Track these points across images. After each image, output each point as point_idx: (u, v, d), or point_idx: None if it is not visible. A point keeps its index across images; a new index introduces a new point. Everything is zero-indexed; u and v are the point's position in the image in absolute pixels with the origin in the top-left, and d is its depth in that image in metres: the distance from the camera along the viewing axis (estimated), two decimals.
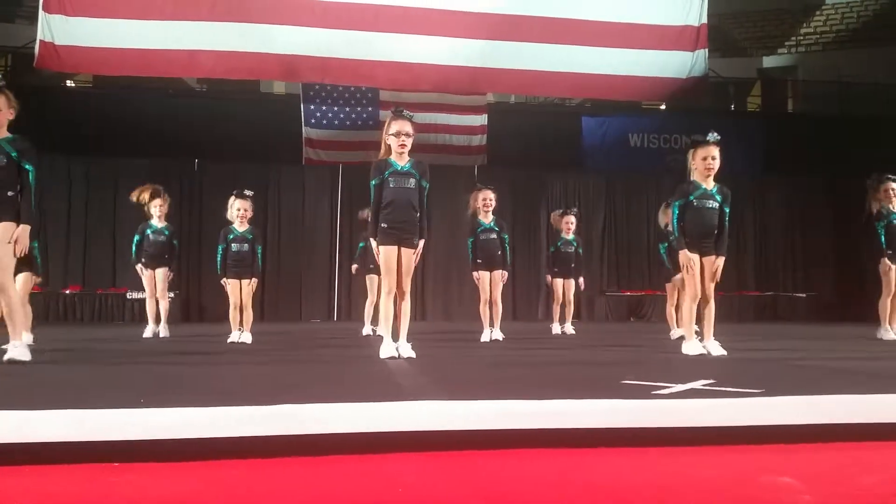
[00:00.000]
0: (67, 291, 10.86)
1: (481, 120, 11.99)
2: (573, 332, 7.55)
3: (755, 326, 9.58)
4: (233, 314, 6.02)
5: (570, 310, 7.79)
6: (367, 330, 7.44)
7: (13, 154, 3.82)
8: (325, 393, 2.80)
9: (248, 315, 6.06)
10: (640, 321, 11.93)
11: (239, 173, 11.41)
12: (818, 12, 18.82)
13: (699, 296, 4.63)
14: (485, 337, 6.48)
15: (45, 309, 10.27)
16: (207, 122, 11.50)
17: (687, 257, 4.61)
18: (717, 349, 4.60)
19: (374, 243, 4.44)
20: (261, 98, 12.80)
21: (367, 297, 7.64)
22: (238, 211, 5.99)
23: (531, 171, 12.45)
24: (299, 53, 10.57)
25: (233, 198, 6.12)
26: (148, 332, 7.07)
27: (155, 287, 7.10)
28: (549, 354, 5.24)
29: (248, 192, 6.07)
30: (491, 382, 3.37)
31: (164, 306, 7.12)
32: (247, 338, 6.00)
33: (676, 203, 4.73)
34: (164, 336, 6.99)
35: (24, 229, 3.80)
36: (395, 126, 4.32)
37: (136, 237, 7.15)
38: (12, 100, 3.92)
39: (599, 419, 2.34)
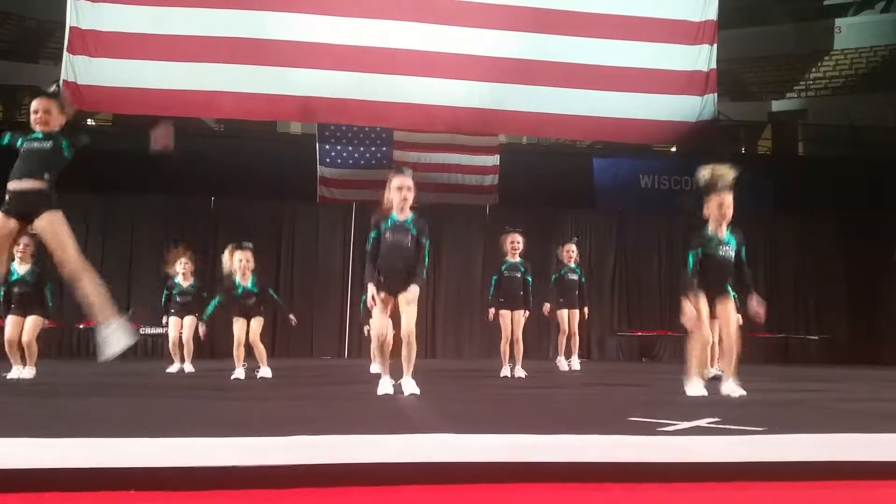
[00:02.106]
0: (81, 326, 10.98)
1: (493, 160, 12.16)
2: (578, 367, 7.54)
3: (766, 368, 9.52)
4: (237, 352, 6.02)
5: (576, 342, 7.79)
6: (374, 367, 7.50)
7: (62, 143, 4.04)
8: (336, 426, 2.87)
9: (260, 350, 6.09)
10: (652, 361, 11.86)
11: (254, 211, 11.62)
12: (827, 57, 19.08)
13: (709, 341, 4.62)
14: (504, 373, 6.54)
15: (58, 344, 10.40)
16: (224, 161, 11.73)
17: (695, 300, 4.60)
18: (736, 390, 4.55)
19: (370, 288, 4.45)
20: (277, 137, 13.07)
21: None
22: (239, 262, 6.00)
23: (542, 212, 12.55)
24: (316, 95, 10.86)
25: (228, 251, 6.14)
26: (173, 369, 7.30)
27: (181, 331, 7.32)
28: (556, 391, 5.27)
29: (247, 244, 6.13)
30: (499, 417, 3.43)
31: (189, 349, 7.42)
32: (266, 372, 6.04)
33: (692, 253, 4.70)
34: (189, 371, 7.19)
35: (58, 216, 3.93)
36: (397, 181, 4.47)
37: (165, 293, 7.50)
38: (67, 104, 4.20)
39: (606, 454, 2.39)
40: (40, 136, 4.01)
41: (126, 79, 10.28)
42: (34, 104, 4.05)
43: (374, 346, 4.53)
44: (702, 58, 11.78)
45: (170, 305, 7.46)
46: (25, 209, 3.85)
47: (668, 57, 11.65)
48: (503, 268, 6.74)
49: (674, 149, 13.28)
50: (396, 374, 4.50)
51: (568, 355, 7.73)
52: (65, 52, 10.31)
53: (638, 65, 11.48)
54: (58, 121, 4.06)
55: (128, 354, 11.02)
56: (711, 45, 11.79)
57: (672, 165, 12.97)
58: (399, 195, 4.46)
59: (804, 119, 16.44)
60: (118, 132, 11.96)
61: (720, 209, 4.63)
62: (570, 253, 7.78)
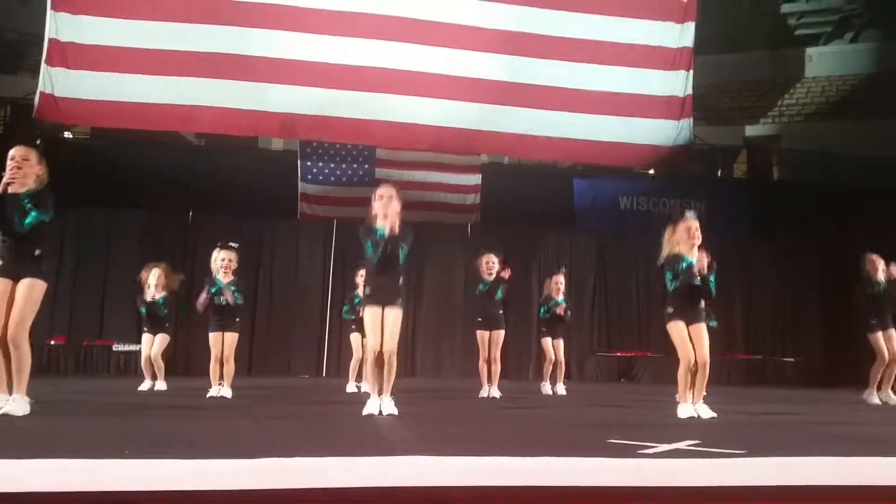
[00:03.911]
0: (52, 342, 10.73)
1: (475, 179, 12.18)
2: (564, 392, 7.53)
3: (743, 390, 9.57)
4: (213, 367, 5.95)
5: (562, 370, 7.80)
6: (351, 387, 7.41)
7: (31, 212, 3.95)
8: (311, 447, 2.79)
9: (230, 368, 5.99)
10: (630, 382, 11.87)
11: (233, 227, 11.47)
12: (799, 84, 19.49)
13: (692, 362, 4.71)
14: (483, 394, 6.57)
15: (56, 361, 10.18)
16: (204, 175, 11.61)
17: (675, 327, 4.74)
18: (706, 412, 4.65)
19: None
20: (258, 154, 12.97)
21: (352, 355, 7.65)
22: (222, 261, 5.99)
23: (523, 231, 12.59)
24: (298, 112, 10.79)
25: (217, 250, 6.13)
26: (144, 387, 7.11)
27: (151, 349, 7.20)
28: (537, 412, 5.23)
29: (233, 244, 6.10)
30: (478, 439, 3.37)
31: (159, 366, 7.22)
32: (227, 392, 5.91)
33: (668, 273, 4.85)
34: (160, 389, 7.03)
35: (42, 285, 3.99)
36: (380, 191, 4.64)
37: (142, 309, 7.30)
38: (43, 165, 4.14)
39: (586, 477, 2.35)
40: (5, 197, 3.92)
41: (105, 92, 10.14)
42: (13, 151, 4.03)
43: (363, 363, 4.51)
44: (678, 83, 11.95)
45: (142, 320, 7.29)
46: (15, 273, 3.94)
47: (646, 82, 11.81)
48: (479, 287, 6.81)
49: (652, 171, 13.41)
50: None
51: (553, 382, 7.73)
52: (43, 64, 10.16)
53: (617, 89, 11.62)
54: (34, 171, 4.04)
55: (101, 371, 10.81)
56: (688, 70, 11.97)
57: (651, 187, 13.07)
58: (380, 203, 4.55)
59: (778, 144, 16.73)
60: (96, 145, 11.81)
61: (689, 232, 4.81)
62: (559, 285, 7.79)
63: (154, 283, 7.15)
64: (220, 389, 5.94)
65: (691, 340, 4.74)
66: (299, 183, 11.67)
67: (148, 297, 7.15)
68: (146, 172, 11.36)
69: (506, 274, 6.88)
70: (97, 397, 6.02)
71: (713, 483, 2.35)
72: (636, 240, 12.83)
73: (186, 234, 11.64)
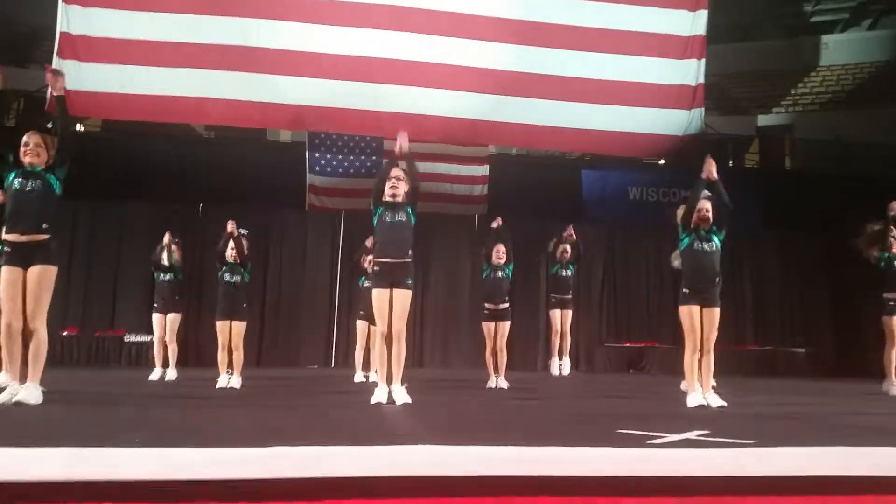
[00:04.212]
0: (65, 333, 10.82)
1: (483, 170, 12.14)
2: (567, 371, 7.56)
3: (753, 381, 9.52)
4: (221, 357, 5.96)
5: (567, 343, 7.82)
6: (358, 376, 7.42)
7: (49, 178, 4.03)
8: (318, 436, 2.80)
9: (238, 357, 6.00)
10: (639, 373, 11.84)
11: (242, 219, 11.49)
12: (814, 73, 19.27)
13: (698, 347, 4.69)
14: (491, 384, 6.58)
15: (71, 351, 10.28)
16: (214, 167, 11.64)
17: (687, 310, 4.72)
18: (716, 400, 4.62)
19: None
20: (267, 145, 12.99)
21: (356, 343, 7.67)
22: (231, 250, 6.08)
23: (532, 222, 12.53)
24: (306, 103, 10.78)
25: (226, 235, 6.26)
26: (155, 375, 7.09)
27: (164, 331, 7.14)
28: (545, 403, 5.22)
29: (242, 231, 6.18)
30: (486, 429, 3.37)
31: (172, 350, 7.15)
32: (236, 382, 5.92)
33: (683, 241, 4.92)
34: (170, 378, 6.99)
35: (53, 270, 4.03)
36: (389, 172, 4.84)
37: (158, 276, 7.34)
38: (50, 144, 4.16)
39: (595, 467, 2.34)
40: (27, 170, 3.99)
41: (116, 84, 10.18)
42: (26, 137, 4.07)
43: (377, 345, 4.53)
44: (690, 72, 11.83)
45: (154, 294, 7.24)
46: (25, 261, 3.92)
47: (657, 71, 11.69)
48: (485, 270, 6.85)
49: (662, 161, 13.32)
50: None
51: (560, 356, 7.76)
52: (55, 57, 10.19)
53: (627, 78, 11.52)
54: (49, 155, 4.09)
55: (112, 362, 10.87)
56: (700, 59, 11.85)
57: (660, 178, 12.99)
58: (388, 184, 4.73)
59: (791, 134, 16.58)
60: (107, 138, 11.86)
61: (700, 213, 4.90)
62: (565, 254, 7.83)
63: (166, 255, 7.17)
64: (230, 379, 5.95)
65: (702, 326, 4.71)
66: (307, 174, 11.68)
67: (164, 263, 7.14)
68: (156, 164, 11.40)
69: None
70: (109, 387, 6.07)
71: (723, 473, 2.34)
72: (645, 230, 12.76)
73: (196, 225, 11.69)
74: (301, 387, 6.69)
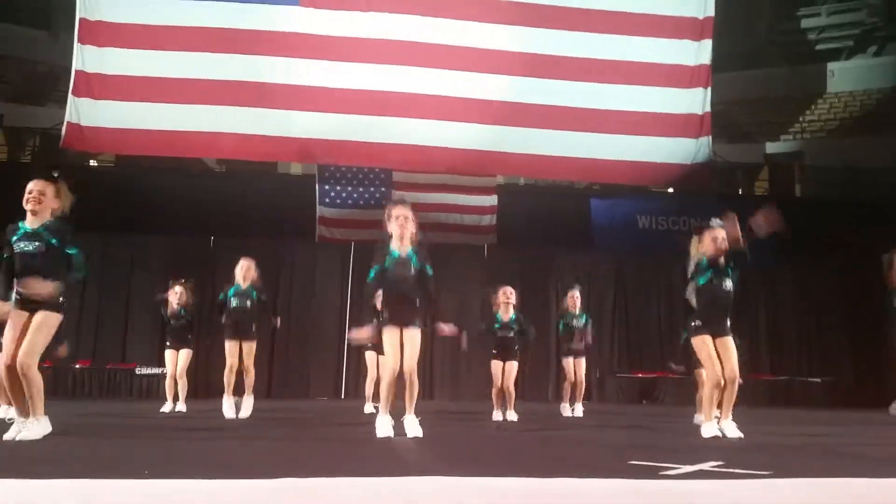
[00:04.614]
0: (77, 366, 10.88)
1: (491, 200, 12.21)
2: (581, 414, 7.45)
3: (768, 411, 9.39)
4: (228, 377, 5.93)
5: (581, 391, 7.71)
6: (369, 407, 7.40)
7: (52, 241, 4.01)
8: (328, 467, 2.79)
9: (250, 379, 5.95)
10: (652, 403, 11.71)
11: (254, 250, 11.59)
12: (821, 100, 19.34)
13: (720, 378, 4.62)
14: (496, 417, 6.51)
15: (53, 383, 10.24)
16: (225, 200, 11.76)
17: (701, 341, 4.67)
18: (732, 431, 4.54)
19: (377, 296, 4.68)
20: (277, 178, 13.14)
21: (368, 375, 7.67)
22: (241, 268, 6.24)
23: (540, 252, 12.55)
24: (315, 137, 10.96)
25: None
26: (166, 408, 7.21)
27: (175, 367, 7.25)
28: (556, 434, 5.18)
29: (249, 259, 6.26)
30: (497, 460, 3.35)
31: (182, 385, 7.28)
32: (247, 406, 5.86)
33: (700, 279, 4.81)
34: (180, 411, 7.10)
35: (47, 284, 3.92)
36: (395, 211, 4.64)
37: (168, 318, 7.48)
38: (63, 192, 4.15)
39: (606, 499, 2.32)
40: (29, 232, 4.01)
41: (129, 120, 10.39)
42: (31, 185, 4.08)
43: (378, 383, 4.52)
44: (696, 101, 11.93)
45: (166, 334, 7.45)
46: (33, 307, 3.97)
47: (664, 100, 11.80)
48: (496, 326, 6.77)
49: (671, 190, 13.34)
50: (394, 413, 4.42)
51: (572, 402, 7.64)
52: (69, 95, 10.44)
53: (634, 108, 11.63)
54: (51, 205, 4.08)
55: (123, 394, 10.90)
56: (706, 88, 11.96)
57: (670, 206, 13.01)
58: (396, 224, 4.57)
59: (800, 161, 16.58)
60: (120, 172, 12.04)
61: (716, 242, 4.78)
62: (575, 300, 7.75)
63: (175, 301, 7.29)
64: (242, 403, 5.92)
65: (718, 356, 4.66)
66: (317, 206, 11.80)
67: (170, 311, 7.30)
68: (169, 198, 11.55)
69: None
70: (120, 419, 6.07)
71: None
72: (655, 259, 12.73)
73: (207, 257, 11.78)
74: (310, 418, 6.66)
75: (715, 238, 4.78)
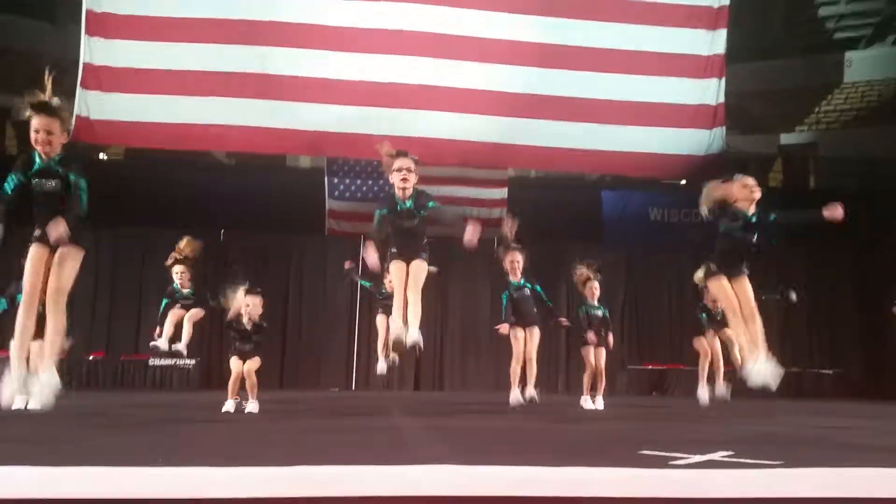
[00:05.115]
0: (91, 357, 11.02)
1: (501, 193, 12.20)
2: (602, 407, 7.38)
3: (779, 402, 9.39)
4: (232, 384, 5.89)
5: (603, 381, 7.62)
6: (381, 366, 7.58)
7: (70, 176, 3.92)
8: (340, 455, 2.83)
9: (252, 382, 5.89)
10: (663, 395, 11.73)
11: (263, 244, 11.70)
12: (837, 90, 19.16)
13: (738, 312, 4.59)
14: (513, 399, 6.35)
15: (67, 375, 10.38)
16: (234, 194, 11.85)
17: (717, 282, 4.71)
18: (766, 372, 4.50)
19: (370, 247, 5.13)
20: (287, 171, 13.20)
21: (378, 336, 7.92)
22: (245, 307, 5.91)
23: (551, 245, 12.53)
24: (325, 130, 10.96)
25: (242, 291, 5.98)
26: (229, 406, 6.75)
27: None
28: (566, 425, 5.21)
29: (257, 289, 6.05)
30: (509, 449, 3.38)
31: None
32: (254, 407, 5.87)
33: (722, 226, 4.82)
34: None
35: (59, 222, 3.72)
36: (398, 163, 4.96)
37: (164, 301, 7.44)
38: (68, 122, 4.06)
39: (616, 488, 2.35)
40: (42, 167, 3.89)
41: (138, 113, 10.43)
42: (35, 122, 3.91)
43: (395, 296, 4.82)
44: (710, 91, 11.84)
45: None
46: (54, 244, 3.83)
47: (676, 91, 11.72)
48: (511, 289, 6.70)
49: (683, 182, 13.29)
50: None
51: (593, 394, 7.56)
52: (78, 88, 10.49)
53: (646, 99, 11.55)
54: (60, 140, 3.96)
55: (137, 386, 10.99)
56: (720, 78, 11.86)
57: (681, 199, 12.96)
58: (399, 176, 4.88)
59: (815, 152, 16.46)
60: (129, 165, 12.13)
61: (746, 189, 4.78)
62: (594, 290, 7.69)
63: (178, 280, 7.25)
64: (248, 405, 5.92)
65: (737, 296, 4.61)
66: (326, 199, 11.85)
67: (178, 293, 7.27)
68: (178, 191, 11.63)
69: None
70: (135, 409, 6.15)
71: (748, 495, 2.33)
72: (667, 251, 12.71)
73: (217, 250, 11.86)
74: (323, 408, 6.73)
75: (746, 185, 4.71)
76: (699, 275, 6.97)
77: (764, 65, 18.67)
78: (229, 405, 5.86)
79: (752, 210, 4.65)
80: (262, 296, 6.02)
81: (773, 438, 4.16)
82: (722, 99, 11.82)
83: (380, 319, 7.76)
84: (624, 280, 12.82)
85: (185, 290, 7.35)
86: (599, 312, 7.71)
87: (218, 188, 11.87)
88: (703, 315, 7.55)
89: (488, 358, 11.89)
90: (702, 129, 11.73)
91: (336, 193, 11.87)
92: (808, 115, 18.57)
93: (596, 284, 7.73)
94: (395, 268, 5.01)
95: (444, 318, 12.20)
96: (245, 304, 5.95)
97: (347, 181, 11.98)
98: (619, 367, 12.28)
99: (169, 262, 7.33)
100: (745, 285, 4.66)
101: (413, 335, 4.77)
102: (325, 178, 11.90)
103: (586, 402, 7.46)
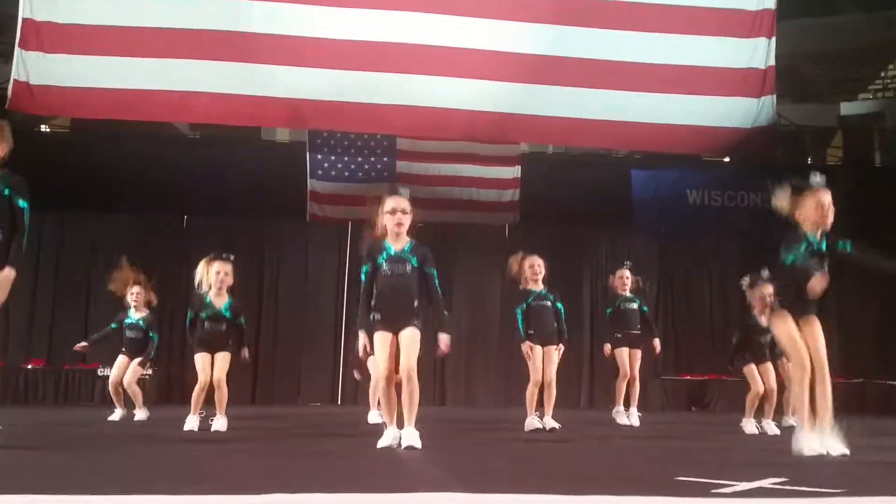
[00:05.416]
0: (29, 367, 11.01)
1: (513, 172, 12.16)
2: (637, 422, 7.36)
3: (840, 419, 9.37)
4: (197, 394, 5.86)
5: (637, 389, 7.61)
6: (373, 415, 7.43)
7: (5, 191, 4.07)
8: (324, 482, 2.82)
9: (221, 394, 5.89)
10: (703, 411, 11.73)
11: (233, 231, 11.67)
12: None
13: (808, 367, 4.36)
14: (531, 425, 6.34)
15: (2, 387, 10.41)
16: (200, 173, 11.82)
17: (782, 322, 4.42)
18: (837, 446, 4.26)
19: (361, 336, 4.62)
20: (261, 146, 13.17)
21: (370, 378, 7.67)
22: (217, 274, 5.94)
23: (571, 233, 12.53)
24: (306, 97, 10.90)
25: (205, 262, 6.06)
26: (116, 416, 7.43)
27: (122, 375, 7.60)
28: (589, 444, 5.20)
29: (227, 255, 6.06)
30: (522, 475, 3.37)
31: (133, 391, 7.59)
32: (221, 424, 5.85)
33: (788, 256, 4.53)
34: (140, 419, 7.18)
35: (9, 273, 3.99)
36: (391, 203, 4.59)
37: (113, 325, 7.79)
38: (7, 134, 4.16)
39: None
40: None
41: (87, 78, 10.36)
42: None
43: (376, 389, 4.51)
44: (758, 53, 11.76)
45: (104, 338, 7.91)
46: None
47: (719, 53, 11.64)
48: (529, 299, 6.61)
49: (727, 159, 13.26)
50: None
51: (627, 405, 7.53)
52: (16, 48, 10.43)
53: (683, 62, 11.47)
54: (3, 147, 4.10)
55: (83, 399, 11.01)
56: (769, 38, 11.78)
57: (725, 178, 12.94)
58: (392, 220, 4.55)
59: (880, 124, 16.41)
60: (77, 140, 12.10)
61: (819, 211, 4.47)
62: (625, 280, 7.69)
63: (133, 302, 7.41)
64: (212, 422, 5.91)
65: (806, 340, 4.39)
66: (308, 180, 11.81)
67: (128, 318, 7.58)
68: (134, 170, 11.60)
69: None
70: (79, 428, 6.15)
71: None
72: (708, 241, 12.67)
73: (180, 240, 11.85)
74: (303, 427, 6.72)
75: (820, 204, 4.44)
76: (748, 280, 6.92)
77: (821, 22, 18.59)
78: (192, 422, 5.83)
79: (819, 234, 4.49)
80: (232, 262, 6.04)
81: (833, 461, 4.14)
82: (772, 62, 11.75)
83: (372, 360, 7.55)
84: (657, 275, 12.79)
85: (138, 317, 7.42)
86: (634, 305, 7.70)
87: (180, 166, 11.84)
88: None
89: (498, 368, 11.89)
90: (748, 97, 11.67)
91: (319, 172, 11.84)
92: (873, 81, 18.53)
93: (627, 273, 7.74)
94: (379, 342, 4.47)
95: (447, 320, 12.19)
96: (216, 272, 5.94)
97: (333, 158, 11.94)
98: (651, 376, 12.28)
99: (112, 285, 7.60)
100: (816, 329, 4.45)
101: (409, 438, 4.28)
102: (307, 155, 11.87)
103: (620, 415, 7.42)
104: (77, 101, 10.60)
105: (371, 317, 4.54)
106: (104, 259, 11.65)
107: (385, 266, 4.53)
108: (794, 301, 4.49)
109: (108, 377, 10.75)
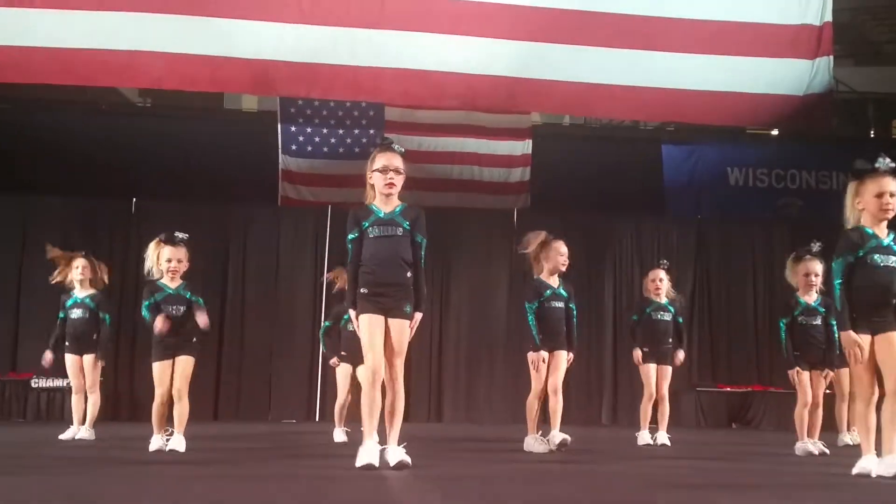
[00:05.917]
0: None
1: (524, 148, 12.18)
2: (668, 442, 7.38)
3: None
4: (158, 410, 5.86)
5: (666, 410, 7.62)
6: (339, 434, 7.50)
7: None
8: None
9: (181, 409, 5.90)
10: (745, 427, 11.78)
11: (191, 217, 11.65)
12: None
13: (874, 394, 4.43)
14: (531, 446, 6.36)
15: None
16: (151, 149, 11.80)
17: (852, 340, 4.40)
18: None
19: (352, 314, 4.65)
20: (224, 116, 13.15)
21: (336, 395, 7.73)
22: (168, 262, 5.97)
23: (591, 220, 12.53)
24: (276, 58, 10.90)
25: (155, 244, 6.09)
26: (68, 434, 7.32)
27: (83, 378, 7.44)
28: (612, 468, 5.23)
29: (180, 235, 6.10)
30: (521, 501, 3.40)
31: (93, 401, 7.47)
32: (178, 443, 5.87)
33: (840, 260, 4.52)
34: (82, 438, 7.19)
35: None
36: (382, 160, 4.64)
37: (61, 314, 7.57)
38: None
39: None
40: None
41: (16, 35, 10.34)
42: None
43: (365, 388, 4.49)
44: (812, 7, 11.78)
45: (63, 334, 7.49)
46: None
47: (765, 6, 11.67)
48: (547, 293, 6.59)
49: (775, 132, 13.28)
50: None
51: (654, 428, 7.54)
52: None
53: (723, 18, 11.49)
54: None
55: (15, 416, 11.01)
56: None
57: (773, 155, 12.95)
58: (383, 179, 4.60)
59: None
60: (4, 108, 12.07)
61: (880, 200, 4.45)
62: (658, 283, 7.64)
63: (79, 278, 7.40)
64: (169, 440, 5.95)
65: (874, 359, 4.38)
66: (280, 156, 11.82)
67: (71, 299, 7.44)
68: (72, 145, 11.59)
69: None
70: (11, 448, 6.16)
71: None
72: (752, 229, 12.69)
73: (128, 226, 11.85)
74: (275, 448, 6.74)
75: (882, 192, 4.42)
76: (793, 256, 6.92)
77: None
78: (157, 442, 5.88)
79: (883, 231, 4.49)
80: (185, 245, 6.07)
81: (890, 484, 4.17)
82: (829, 17, 11.76)
83: (342, 371, 7.57)
84: (692, 266, 12.81)
85: (84, 294, 7.40)
86: (668, 316, 7.67)
87: (129, 140, 11.83)
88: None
89: (503, 378, 11.92)
90: (801, 59, 11.69)
91: (293, 147, 11.85)
92: None
93: (662, 274, 7.69)
94: (367, 327, 4.50)
95: (444, 321, 12.20)
96: (167, 259, 5.97)
97: (309, 131, 11.94)
98: (684, 387, 12.32)
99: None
100: (893, 345, 4.38)
101: (396, 454, 4.29)
102: (279, 127, 11.87)
103: (642, 438, 7.45)
104: (5, 63, 10.59)
105: (358, 291, 4.57)
106: (38, 249, 11.64)
107: (372, 230, 4.58)
108: (869, 313, 4.45)
109: (43, 389, 10.90)
